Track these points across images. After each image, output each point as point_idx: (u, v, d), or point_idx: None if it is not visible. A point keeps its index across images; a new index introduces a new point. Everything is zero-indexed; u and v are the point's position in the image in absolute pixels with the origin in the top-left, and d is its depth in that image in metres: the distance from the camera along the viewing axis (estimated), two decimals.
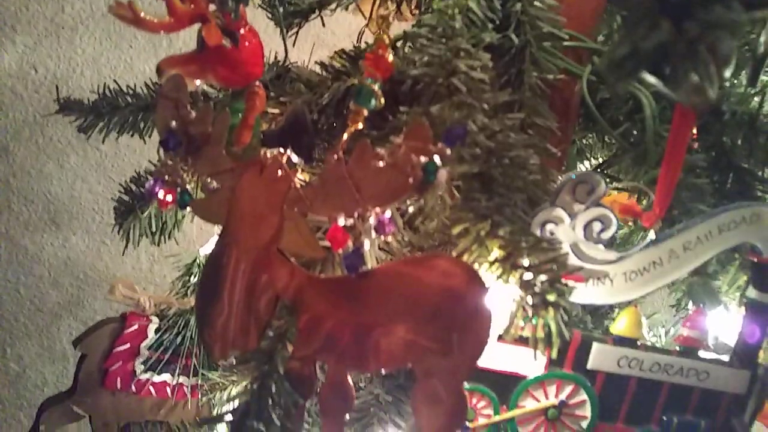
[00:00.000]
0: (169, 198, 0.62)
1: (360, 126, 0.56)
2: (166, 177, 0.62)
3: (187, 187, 0.62)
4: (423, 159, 0.50)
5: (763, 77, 0.77)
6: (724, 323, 0.70)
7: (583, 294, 0.61)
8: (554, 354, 0.57)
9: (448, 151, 0.52)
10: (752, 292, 0.65)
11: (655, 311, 0.81)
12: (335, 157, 0.55)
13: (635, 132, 0.73)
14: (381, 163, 0.52)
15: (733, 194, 0.70)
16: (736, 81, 0.74)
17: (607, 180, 0.76)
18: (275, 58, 0.80)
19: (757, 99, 0.73)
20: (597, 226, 0.60)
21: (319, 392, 0.55)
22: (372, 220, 0.54)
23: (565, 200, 0.60)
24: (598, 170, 0.84)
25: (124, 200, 0.86)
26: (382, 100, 0.56)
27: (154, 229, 0.88)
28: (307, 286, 0.57)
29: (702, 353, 0.66)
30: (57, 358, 1.57)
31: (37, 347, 1.57)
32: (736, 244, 0.62)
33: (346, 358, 0.56)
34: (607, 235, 0.60)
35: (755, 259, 0.63)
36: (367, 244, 0.54)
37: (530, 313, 0.54)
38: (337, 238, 0.55)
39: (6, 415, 1.59)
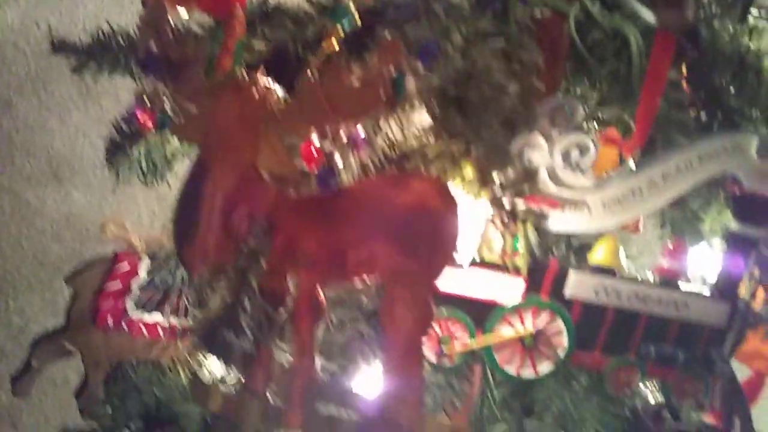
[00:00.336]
0: (149, 121, 0.63)
1: (335, 46, 0.56)
2: (147, 101, 0.63)
3: (167, 110, 0.62)
4: (393, 72, 0.50)
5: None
6: (706, 258, 0.70)
7: (561, 221, 0.61)
8: (524, 272, 0.57)
9: (421, 67, 0.52)
10: (733, 225, 0.64)
11: (642, 252, 0.80)
12: (309, 74, 0.55)
13: (622, 71, 0.73)
14: (354, 80, 0.52)
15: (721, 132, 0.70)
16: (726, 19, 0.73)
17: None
18: None
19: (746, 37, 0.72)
20: (575, 153, 0.60)
21: (291, 305, 0.56)
22: (345, 137, 0.55)
23: (543, 126, 0.59)
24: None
25: (115, 139, 0.86)
26: (357, 18, 0.56)
27: (144, 169, 0.88)
28: (282, 204, 0.57)
29: (681, 285, 0.66)
30: (59, 312, 1.57)
31: (39, 301, 1.59)
32: (717, 174, 0.62)
33: (318, 271, 0.56)
34: (585, 162, 0.60)
35: (736, 191, 0.62)
36: (339, 161, 0.55)
37: (501, 228, 0.54)
38: (310, 155, 0.55)
39: (9, 368, 1.60)
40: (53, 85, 1.47)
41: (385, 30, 0.58)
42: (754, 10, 0.75)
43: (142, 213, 1.54)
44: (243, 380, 0.59)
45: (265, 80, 0.59)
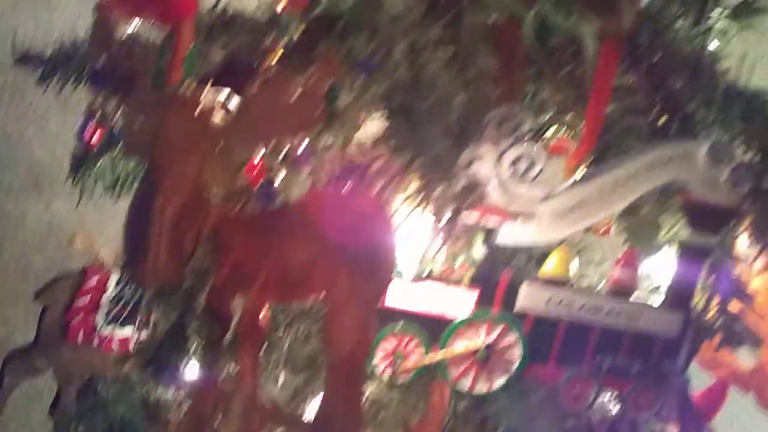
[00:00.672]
0: (98, 136, 0.63)
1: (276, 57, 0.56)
2: (98, 116, 0.63)
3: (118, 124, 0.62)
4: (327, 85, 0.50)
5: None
6: (660, 267, 0.70)
7: (512, 233, 0.61)
8: (469, 285, 0.57)
9: (359, 78, 0.52)
10: (685, 233, 0.64)
11: (604, 260, 0.80)
12: (251, 90, 0.55)
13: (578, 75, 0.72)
14: (293, 95, 0.52)
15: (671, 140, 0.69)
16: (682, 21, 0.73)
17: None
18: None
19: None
20: (523, 164, 0.59)
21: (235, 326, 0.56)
22: (287, 152, 0.54)
23: (491, 136, 0.59)
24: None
25: (77, 152, 0.86)
26: (300, 29, 0.56)
27: (109, 183, 0.88)
28: (227, 223, 0.57)
29: (634, 295, 0.65)
30: None
31: (23, 312, 1.58)
32: (666, 182, 0.61)
33: (265, 291, 0.56)
34: (533, 173, 0.60)
35: (686, 199, 0.62)
36: (281, 177, 0.54)
37: (445, 242, 0.54)
38: (254, 172, 0.55)
39: None
40: (31, 94, 1.47)
41: (326, 42, 0.58)
42: (717, 11, 0.75)
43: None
44: (190, 403, 0.59)
45: (211, 93, 0.59)
